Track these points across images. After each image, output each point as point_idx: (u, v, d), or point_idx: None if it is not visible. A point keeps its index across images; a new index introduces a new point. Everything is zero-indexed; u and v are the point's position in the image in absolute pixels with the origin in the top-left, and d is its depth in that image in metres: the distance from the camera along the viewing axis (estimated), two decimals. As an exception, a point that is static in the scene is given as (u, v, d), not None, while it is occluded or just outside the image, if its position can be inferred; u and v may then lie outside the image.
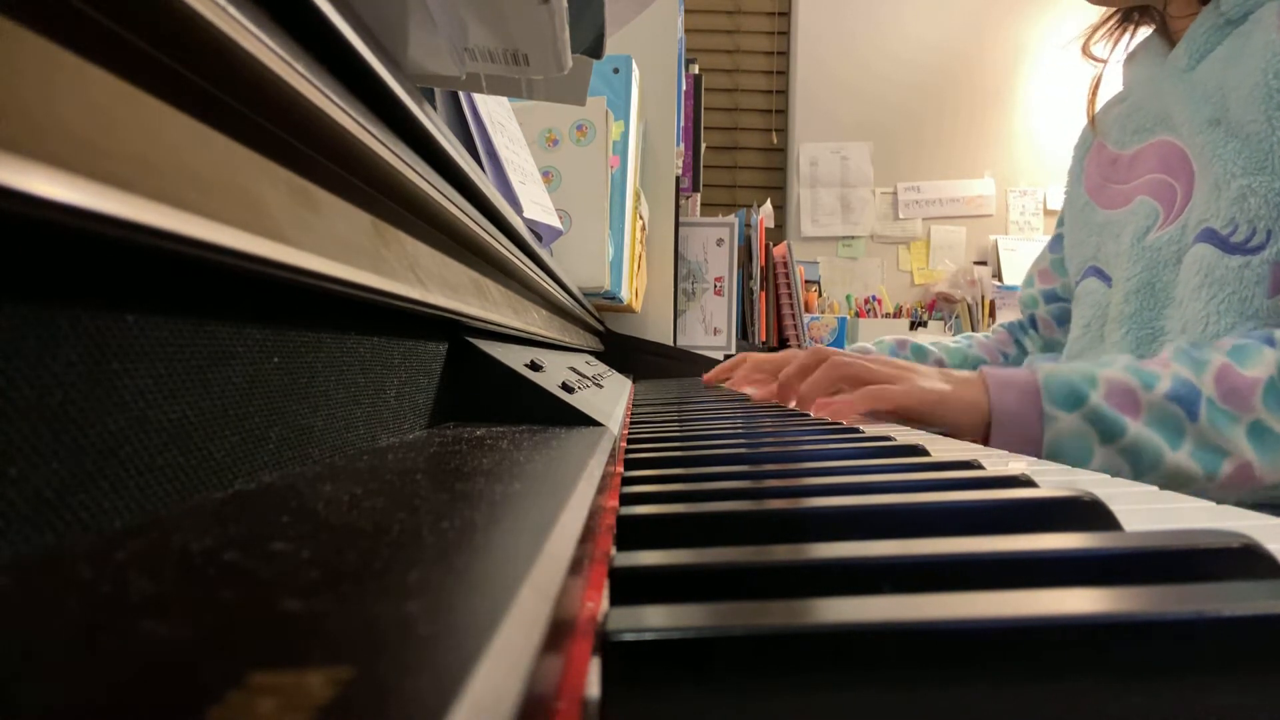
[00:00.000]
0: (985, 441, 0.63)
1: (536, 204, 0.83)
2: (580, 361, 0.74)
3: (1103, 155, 0.92)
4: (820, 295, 3.03)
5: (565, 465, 0.24)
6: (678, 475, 0.34)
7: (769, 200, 2.64)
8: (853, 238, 3.16)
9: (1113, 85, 0.94)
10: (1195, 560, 0.18)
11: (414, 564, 0.12)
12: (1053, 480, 0.30)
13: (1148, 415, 0.61)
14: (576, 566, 0.15)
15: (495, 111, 0.78)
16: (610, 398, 0.57)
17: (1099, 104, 0.95)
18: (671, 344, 1.60)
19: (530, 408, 0.39)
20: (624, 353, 1.46)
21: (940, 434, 0.55)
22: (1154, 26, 0.89)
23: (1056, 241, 1.02)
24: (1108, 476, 0.32)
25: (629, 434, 0.50)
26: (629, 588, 0.18)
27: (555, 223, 0.86)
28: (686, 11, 2.33)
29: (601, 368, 0.91)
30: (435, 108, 0.57)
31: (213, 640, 0.09)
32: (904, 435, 0.46)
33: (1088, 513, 0.24)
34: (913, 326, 2.95)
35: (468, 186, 0.39)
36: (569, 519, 0.17)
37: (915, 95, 3.12)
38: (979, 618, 0.14)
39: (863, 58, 3.12)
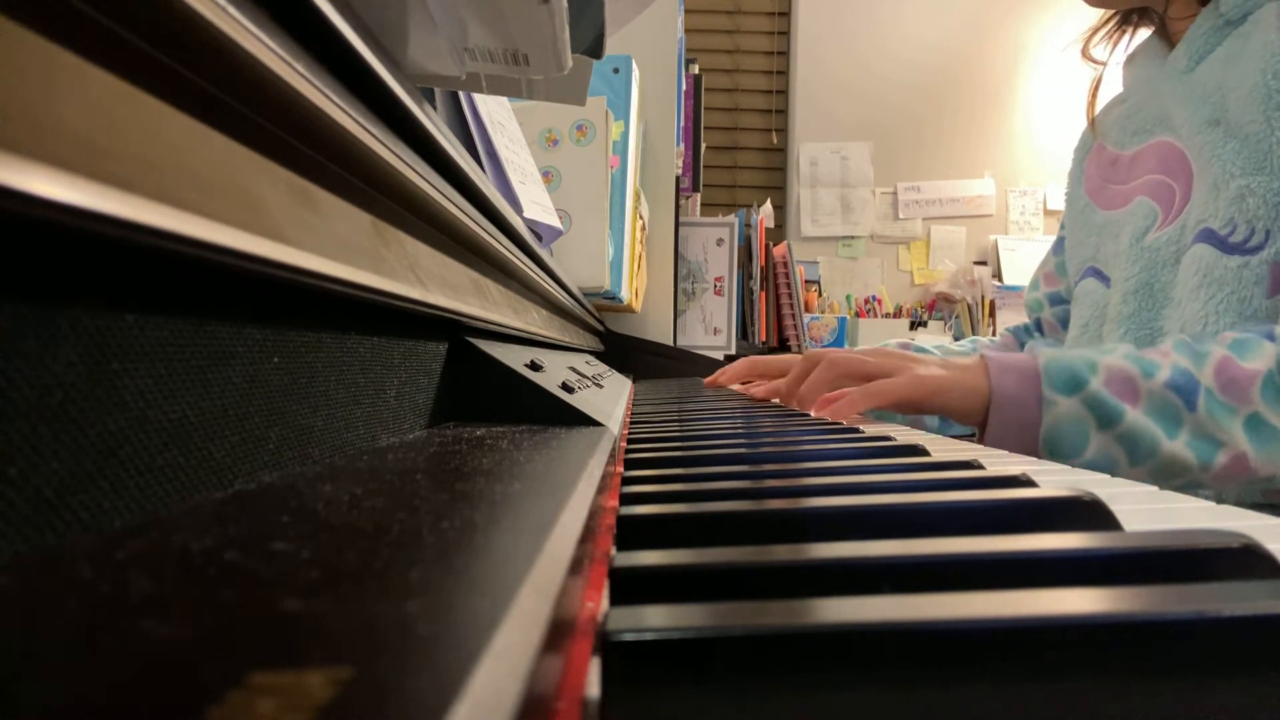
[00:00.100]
0: (984, 426, 0.63)
1: (536, 204, 0.83)
2: (580, 361, 0.74)
3: (1102, 156, 0.92)
4: (820, 295, 3.03)
5: (565, 465, 0.24)
6: (678, 475, 0.34)
7: (769, 200, 2.64)
8: (853, 238, 3.16)
9: (1112, 87, 0.94)
10: (1195, 560, 0.19)
11: (414, 564, 0.12)
12: (1053, 480, 0.30)
13: (1146, 403, 0.61)
14: (576, 566, 0.15)
15: (495, 111, 0.78)
16: (610, 398, 0.57)
17: (1099, 106, 0.95)
18: (671, 344, 1.60)
19: (530, 408, 0.39)
20: (624, 353, 1.46)
21: (941, 421, 0.54)
22: (1153, 28, 0.89)
23: (1059, 244, 1.02)
24: (1108, 476, 0.32)
25: (629, 434, 0.50)
26: (629, 588, 0.18)
27: (555, 223, 0.86)
28: (686, 11, 2.33)
29: (601, 368, 0.91)
30: (435, 108, 0.57)
31: (213, 640, 0.09)
32: (904, 435, 0.46)
33: (1088, 513, 0.24)
34: (913, 326, 2.94)
35: (468, 186, 0.39)
36: (569, 519, 0.17)
37: (915, 95, 3.12)
38: (979, 618, 0.14)
39: (863, 58, 3.11)
